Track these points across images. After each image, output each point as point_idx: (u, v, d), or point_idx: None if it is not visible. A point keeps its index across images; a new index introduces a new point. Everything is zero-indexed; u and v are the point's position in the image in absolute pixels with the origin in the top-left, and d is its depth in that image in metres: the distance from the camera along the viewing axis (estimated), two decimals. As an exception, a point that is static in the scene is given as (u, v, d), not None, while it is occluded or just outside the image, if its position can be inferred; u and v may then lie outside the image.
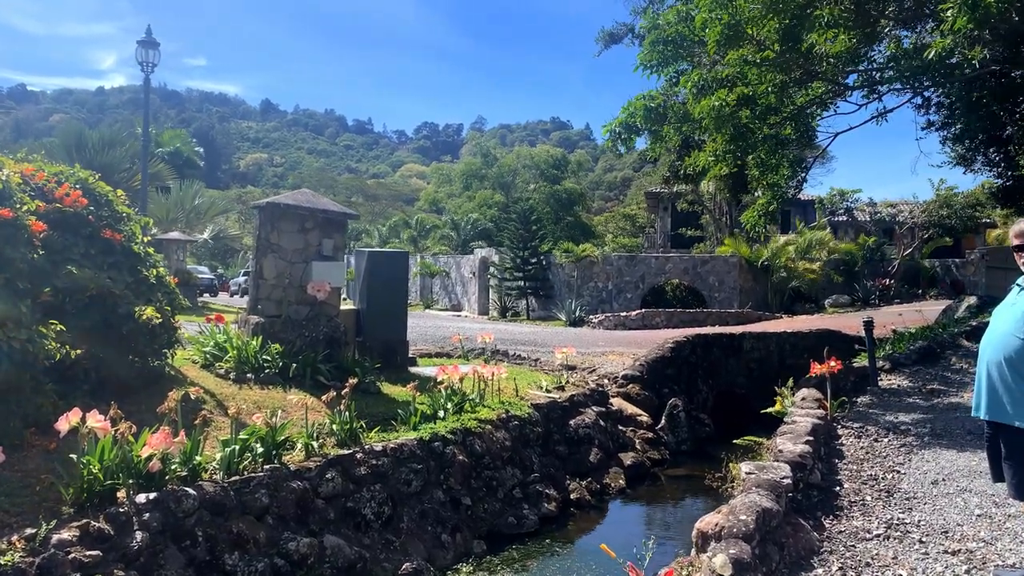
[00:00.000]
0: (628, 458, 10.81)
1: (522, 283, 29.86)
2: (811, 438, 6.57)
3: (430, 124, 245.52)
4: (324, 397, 7.80)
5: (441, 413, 8.78)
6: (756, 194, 13.36)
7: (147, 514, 5.33)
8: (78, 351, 6.55)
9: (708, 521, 4.78)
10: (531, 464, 9.25)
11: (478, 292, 32.95)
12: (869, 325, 10.23)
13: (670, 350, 14.15)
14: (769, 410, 8.54)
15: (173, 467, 5.88)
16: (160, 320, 7.24)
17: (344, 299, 12.80)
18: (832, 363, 8.22)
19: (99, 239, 7.42)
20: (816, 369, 8.31)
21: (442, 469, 8.11)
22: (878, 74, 9.90)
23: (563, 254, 28.89)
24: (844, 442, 7.63)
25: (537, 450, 9.65)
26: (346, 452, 7.20)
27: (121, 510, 5.24)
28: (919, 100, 14.58)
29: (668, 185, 35.19)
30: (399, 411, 8.50)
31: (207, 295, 34.03)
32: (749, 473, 5.45)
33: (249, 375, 8.96)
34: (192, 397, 7.93)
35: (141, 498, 5.40)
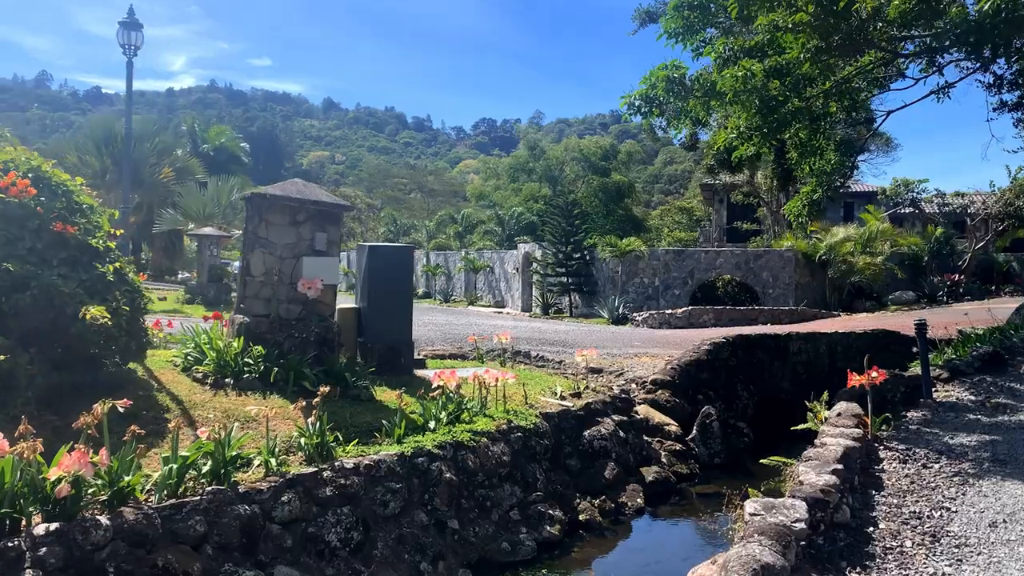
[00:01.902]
0: (650, 473, 9.81)
1: (564, 279, 28.89)
2: (840, 466, 5.52)
3: (488, 120, 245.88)
4: (293, 407, 7.05)
5: (432, 424, 7.95)
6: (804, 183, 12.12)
7: (44, 548, 4.62)
8: (3, 356, 5.89)
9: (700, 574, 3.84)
10: (534, 481, 8.34)
11: (521, 288, 32.10)
12: (922, 327, 8.99)
13: (706, 352, 13.05)
14: (800, 427, 7.46)
15: (91, 491, 5.18)
16: (108, 321, 6.56)
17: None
18: (873, 373, 7.08)
19: (49, 232, 6.79)
20: (855, 380, 7.18)
21: (427, 488, 7.28)
22: (934, 41, 8.63)
23: (607, 249, 27.79)
24: (886, 468, 6.52)
25: (544, 465, 8.74)
26: (309, 471, 6.42)
27: (11, 544, 4.55)
28: (989, 78, 13.09)
29: (714, 174, 33.68)
30: (384, 422, 7.70)
31: None
32: (754, 514, 4.46)
33: (228, 380, 8.29)
34: (151, 406, 7.28)
35: (39, 529, 4.70)
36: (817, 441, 6.36)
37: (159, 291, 28.12)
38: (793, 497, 4.81)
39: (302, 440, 6.80)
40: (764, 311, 23.84)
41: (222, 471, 5.96)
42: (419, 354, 12.24)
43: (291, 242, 9.21)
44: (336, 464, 6.67)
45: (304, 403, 7.10)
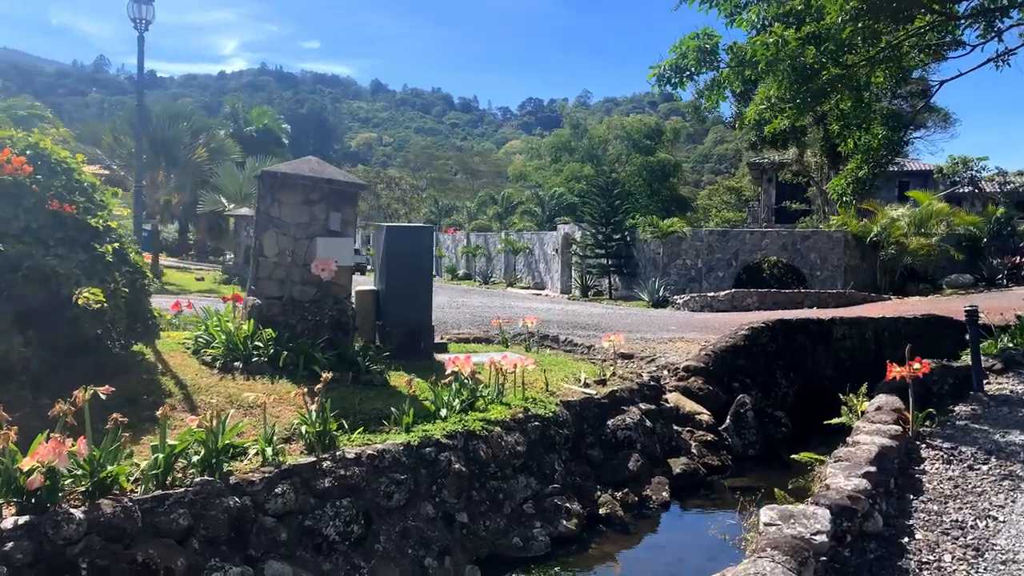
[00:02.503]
0: (678, 465, 9.35)
1: (604, 261, 28.29)
2: (873, 468, 5.01)
3: (534, 100, 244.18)
4: (294, 393, 6.77)
5: (444, 412, 7.60)
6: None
7: (11, 543, 4.40)
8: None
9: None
10: (552, 473, 7.96)
11: (560, 270, 31.60)
12: (972, 313, 8.30)
13: (744, 338, 12.46)
14: (833, 422, 6.92)
15: (68, 482, 4.95)
16: (104, 302, 6.33)
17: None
18: (916, 364, 6.49)
19: (44, 212, 6.59)
20: (895, 371, 6.60)
21: (435, 479, 6.95)
22: (992, 2, 7.85)
23: (648, 229, 27.10)
24: (927, 469, 5.96)
25: (563, 456, 8.34)
26: (306, 461, 6.12)
27: (-25, 539, 4.33)
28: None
29: (756, 151, 32.58)
30: (394, 409, 7.37)
31: None
32: (769, 524, 4.00)
33: (236, 364, 8.06)
34: (153, 390, 7.08)
35: (8, 523, 4.48)
36: (850, 439, 5.84)
37: (200, 271, 28.40)
38: (816, 504, 4.33)
39: (303, 428, 6.52)
40: (811, 294, 22.99)
41: (213, 460, 5.70)
42: (443, 338, 11.93)
43: (304, 222, 8.92)
44: (337, 454, 6.37)
45: (306, 389, 6.82)
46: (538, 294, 30.25)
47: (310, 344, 8.29)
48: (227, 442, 5.89)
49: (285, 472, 5.94)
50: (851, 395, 7.27)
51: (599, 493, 8.25)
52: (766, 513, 4.15)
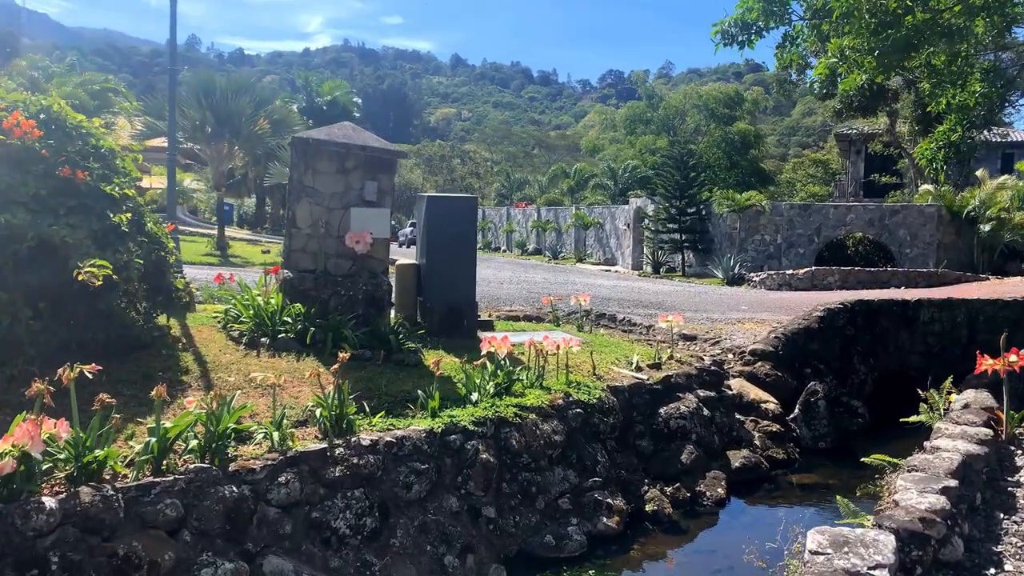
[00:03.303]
0: (738, 458, 8.58)
1: (677, 236, 27.19)
2: (954, 481, 4.19)
3: (615, 72, 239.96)
4: (309, 373, 6.34)
5: (475, 396, 7.05)
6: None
7: (-27, 534, 4.06)
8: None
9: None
10: (593, 464, 7.32)
11: (632, 245, 30.61)
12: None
13: (819, 319, 11.48)
14: (911, 420, 6.05)
15: (45, 467, 4.61)
16: (111, 274, 5.99)
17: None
18: (1012, 356, 5.56)
19: (55, 178, 6.27)
20: (986, 364, 5.67)
21: (460, 470, 6.42)
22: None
23: (724, 203, 25.85)
24: (1022, 481, 5.06)
25: (608, 446, 7.70)
26: (315, 447, 5.67)
27: (-65, 528, 4.01)
28: None
29: (840, 118, 30.62)
30: (420, 392, 6.86)
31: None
32: (817, 553, 3.29)
33: (263, 339, 7.71)
34: (170, 367, 6.75)
35: (-29, 512, 4.14)
36: (929, 444, 5.00)
37: (269, 244, 28.66)
38: (879, 527, 3.58)
39: (318, 411, 6.07)
40: (898, 273, 21.45)
41: (214, 445, 5.30)
42: (491, 315, 11.38)
43: (339, 191, 8.47)
44: (352, 440, 5.90)
45: (322, 369, 6.38)
46: (607, 270, 29.40)
47: (339, 321, 7.86)
48: (231, 425, 5.48)
49: (291, 459, 5.50)
50: (931, 391, 6.36)
51: (646, 488, 7.59)
52: (814, 538, 3.43)
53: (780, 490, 8.46)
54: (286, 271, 8.36)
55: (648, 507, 7.34)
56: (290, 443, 5.64)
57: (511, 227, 41.26)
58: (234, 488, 5.12)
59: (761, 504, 8.13)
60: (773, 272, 22.94)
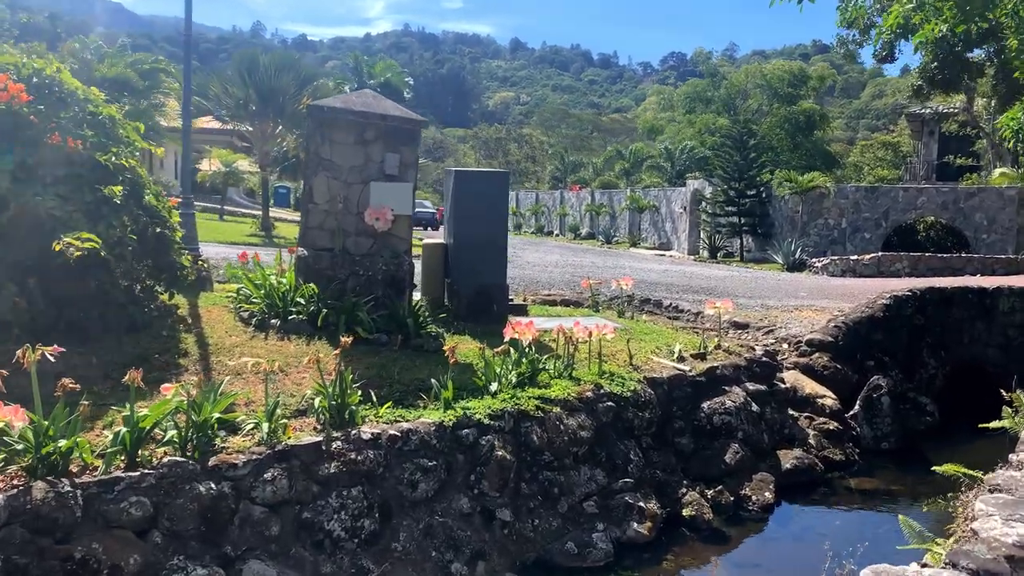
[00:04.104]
0: (789, 458, 7.80)
1: (735, 219, 26.07)
2: (1049, 508, 3.40)
3: (677, 54, 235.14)
4: (307, 359, 5.81)
5: (494, 387, 6.44)
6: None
7: (-96, 534, 3.64)
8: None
9: None
10: (625, 463, 6.65)
11: (688, 229, 29.58)
12: None
13: (884, 307, 10.52)
14: (991, 425, 5.21)
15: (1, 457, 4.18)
16: (98, 249, 5.56)
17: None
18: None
19: (45, 146, 5.87)
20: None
21: (473, 467, 5.83)
22: None
23: (786, 185, 24.61)
24: None
25: (643, 443, 7.01)
26: (308, 441, 5.15)
27: None
28: None
29: (918, 96, 28.89)
30: (434, 381, 6.28)
31: (429, 228, 33.89)
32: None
33: (274, 321, 7.23)
34: (169, 348, 6.32)
35: (-96, 508, 3.72)
36: (1015, 457, 4.20)
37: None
38: (954, 567, 2.85)
39: (316, 400, 5.55)
40: (974, 259, 20.03)
41: (195, 436, 4.82)
42: (526, 299, 10.76)
43: (358, 164, 7.92)
44: (352, 434, 5.36)
45: (322, 353, 5.86)
46: (662, 255, 28.44)
47: (355, 302, 7.33)
48: (216, 415, 4.99)
49: (280, 454, 4.99)
50: (1018, 392, 5.48)
51: (685, 490, 6.88)
52: (869, 580, 2.73)
53: (836, 495, 7.66)
54: (301, 249, 7.87)
55: (686, 512, 6.64)
56: (281, 435, 5.13)
57: (564, 211, 40.45)
58: (212, 485, 4.63)
59: (814, 511, 7.35)
60: (836, 258, 21.72)
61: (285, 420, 5.33)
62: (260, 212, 23.70)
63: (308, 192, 8.00)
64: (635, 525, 6.20)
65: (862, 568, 2.95)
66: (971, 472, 4.73)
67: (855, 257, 21.24)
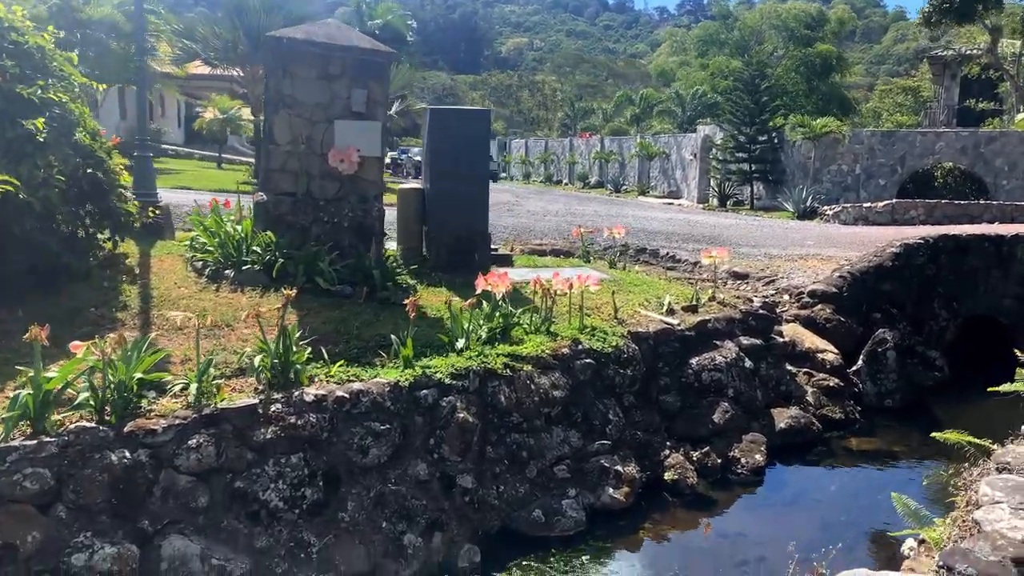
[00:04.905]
0: (784, 417, 7.30)
1: (746, 166, 25.19)
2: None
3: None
4: (246, 314, 5.29)
5: (461, 343, 5.92)
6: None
7: None
8: None
9: None
10: (603, 424, 6.17)
11: (698, 177, 28.72)
12: None
13: (893, 256, 9.90)
14: (1002, 389, 4.66)
15: None
16: (18, 192, 5.03)
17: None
18: None
19: (-45, 78, 5.30)
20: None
21: (433, 431, 5.35)
22: None
23: (798, 130, 23.67)
24: None
25: (624, 402, 6.52)
26: (241, 404, 4.67)
27: None
28: None
29: (928, 26, 27.54)
30: (394, 337, 5.76)
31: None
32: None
33: (227, 272, 6.73)
34: (108, 301, 5.83)
35: None
36: (1027, 427, 3.66)
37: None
38: (948, 571, 2.33)
39: (256, 359, 5.06)
40: (992, 207, 19.19)
41: (114, 399, 4.35)
42: (513, 249, 10.19)
43: (323, 101, 7.30)
44: (294, 395, 4.88)
45: (262, 306, 5.36)
46: (670, 203, 27.66)
47: (315, 251, 6.80)
48: (137, 375, 4.51)
49: (208, 418, 4.52)
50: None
51: (668, 452, 6.41)
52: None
53: (833, 457, 7.18)
54: (261, 194, 7.32)
55: (667, 475, 6.18)
56: (214, 397, 4.65)
57: (573, 159, 39.48)
58: (127, 453, 4.17)
59: (809, 474, 6.89)
60: (849, 205, 20.93)
61: (220, 381, 4.85)
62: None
63: (268, 131, 7.40)
64: (611, 490, 5.75)
65: (851, 562, 2.43)
66: (977, 441, 4.19)
67: (868, 205, 20.44)
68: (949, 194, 21.88)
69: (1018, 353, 4.94)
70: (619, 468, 5.89)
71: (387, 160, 34.59)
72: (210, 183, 19.48)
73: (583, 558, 5.11)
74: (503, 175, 45.30)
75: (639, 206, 24.48)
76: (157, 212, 7.86)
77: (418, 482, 5.18)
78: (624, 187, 33.60)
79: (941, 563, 2.35)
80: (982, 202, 20.05)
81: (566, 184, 39.28)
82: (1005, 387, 4.56)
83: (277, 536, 4.56)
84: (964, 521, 2.75)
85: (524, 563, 5.02)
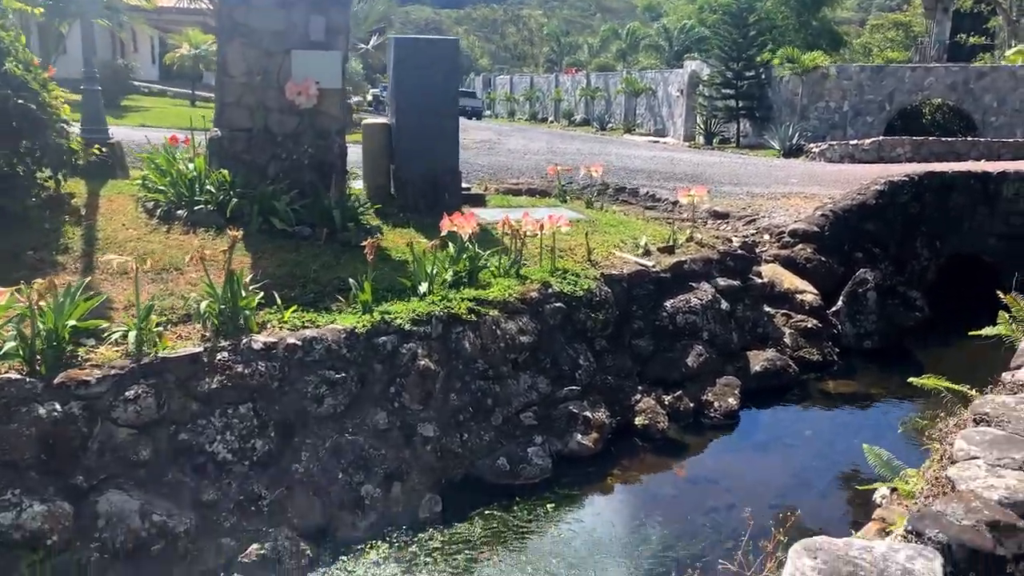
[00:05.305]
0: (760, 360, 7.12)
1: (732, 102, 24.64)
2: (1048, 446, 2.67)
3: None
4: (190, 256, 4.99)
5: (424, 287, 5.66)
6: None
7: None
8: None
9: None
10: (573, 369, 5.97)
11: (684, 114, 28.14)
12: None
13: (877, 194, 9.66)
14: (983, 333, 4.46)
15: None
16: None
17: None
18: None
19: None
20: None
21: (393, 379, 5.13)
22: None
23: (786, 65, 23.09)
24: None
25: (595, 347, 6.32)
26: (184, 352, 4.41)
27: None
28: None
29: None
30: (352, 281, 5.49)
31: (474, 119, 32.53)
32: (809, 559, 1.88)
33: (180, 212, 6.39)
34: (49, 243, 5.52)
35: None
36: (1010, 376, 3.44)
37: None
38: (918, 536, 2.13)
39: (202, 305, 4.78)
40: (979, 143, 18.90)
41: (42, 348, 4.08)
42: (487, 188, 9.86)
43: (279, 29, 6.87)
44: (242, 343, 4.62)
45: (207, 248, 5.06)
46: (656, 141, 27.16)
47: (271, 190, 6.47)
48: (70, 323, 4.23)
49: (147, 368, 4.26)
50: (1015, 295, 4.66)
51: (639, 396, 6.24)
52: (799, 559, 2.01)
53: (810, 399, 7.04)
54: (216, 130, 6.93)
55: (638, 420, 6.01)
56: (155, 346, 4.39)
57: (559, 95, 38.61)
58: (57, 406, 3.92)
59: (783, 417, 6.74)
60: (835, 143, 20.57)
61: (160, 328, 4.58)
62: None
63: (222, 62, 6.97)
64: (579, 437, 5.58)
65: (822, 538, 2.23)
66: (955, 387, 4.00)
67: (855, 142, 20.09)
68: (937, 131, 21.53)
69: (1000, 295, 4.72)
70: (588, 414, 5.71)
71: (368, 97, 33.72)
72: (180, 121, 18.81)
73: (548, 506, 4.95)
74: (487, 113, 44.39)
75: (624, 144, 23.99)
76: (103, 150, 7.45)
77: (377, 431, 4.97)
78: (610, 125, 32.97)
79: (910, 527, 2.16)
80: (969, 139, 19.74)
81: (551, 122, 38.52)
82: (987, 331, 4.36)
83: (225, 489, 4.37)
84: (938, 478, 2.55)
85: (487, 512, 4.86)
